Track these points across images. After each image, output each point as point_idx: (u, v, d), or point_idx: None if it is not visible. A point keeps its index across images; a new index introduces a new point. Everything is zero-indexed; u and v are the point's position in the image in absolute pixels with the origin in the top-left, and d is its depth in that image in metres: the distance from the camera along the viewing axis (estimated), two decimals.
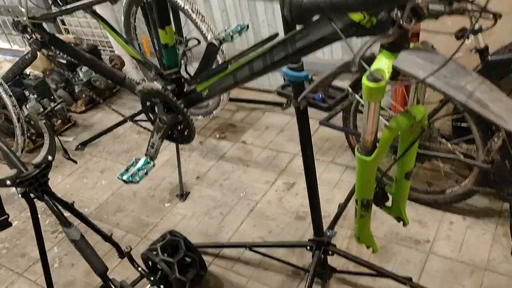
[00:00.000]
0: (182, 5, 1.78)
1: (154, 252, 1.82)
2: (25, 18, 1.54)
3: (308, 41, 0.90)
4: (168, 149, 2.84)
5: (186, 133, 1.31)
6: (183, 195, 2.44)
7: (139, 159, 1.35)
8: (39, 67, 3.23)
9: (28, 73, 3.16)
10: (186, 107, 1.24)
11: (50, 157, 1.45)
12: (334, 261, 1.83)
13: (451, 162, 1.94)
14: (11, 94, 2.61)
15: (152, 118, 1.37)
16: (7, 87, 2.62)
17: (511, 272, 1.71)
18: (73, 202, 1.56)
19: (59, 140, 1.55)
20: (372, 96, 0.81)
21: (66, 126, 3.20)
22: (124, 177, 1.30)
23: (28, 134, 2.83)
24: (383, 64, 0.81)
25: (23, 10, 1.53)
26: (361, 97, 0.83)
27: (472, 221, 1.94)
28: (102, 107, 3.45)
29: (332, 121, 2.26)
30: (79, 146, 2.98)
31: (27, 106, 2.90)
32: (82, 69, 3.18)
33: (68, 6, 1.44)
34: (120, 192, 2.59)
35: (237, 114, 3.08)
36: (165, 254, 1.82)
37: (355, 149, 0.95)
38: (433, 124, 1.83)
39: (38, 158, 1.46)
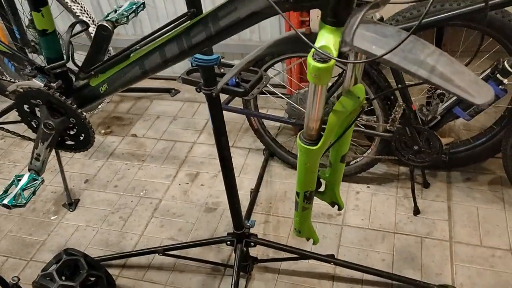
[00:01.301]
0: None
1: (49, 278, 1.55)
2: None
3: (234, 18, 0.76)
4: None
5: (82, 138, 1.08)
6: (72, 203, 2.13)
7: (21, 176, 1.08)
8: None
9: None
10: (79, 106, 1.01)
11: None
12: (253, 250, 1.76)
13: (354, 135, 1.98)
14: None
15: (34, 124, 1.09)
16: None
17: (416, 231, 1.82)
18: None
19: None
20: (321, 78, 0.71)
21: None
22: (5, 201, 1.02)
23: None
24: (328, 40, 0.71)
25: None
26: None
27: (376, 188, 2.03)
28: None
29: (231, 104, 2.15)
30: None
31: None
32: None
33: None
34: None
35: (121, 105, 2.80)
36: (63, 278, 1.56)
37: (297, 138, 0.85)
38: (333, 97, 1.83)
39: None
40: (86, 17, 1.66)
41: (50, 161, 2.43)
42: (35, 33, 1.83)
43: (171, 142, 2.47)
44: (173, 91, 2.83)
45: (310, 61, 0.70)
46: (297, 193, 0.97)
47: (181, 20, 0.85)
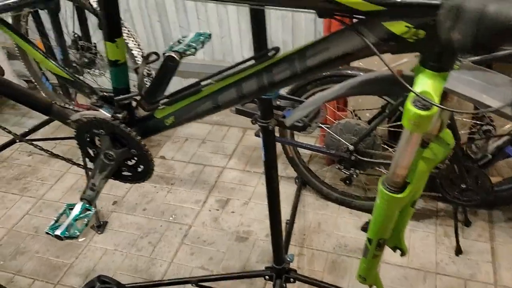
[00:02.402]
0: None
1: None
2: None
3: (324, 58, 0.73)
4: (72, 171, 2.44)
5: (140, 169, 1.05)
6: (100, 225, 2.09)
7: (72, 206, 1.04)
8: None
9: None
10: (141, 137, 0.98)
11: None
12: (289, 285, 1.70)
13: None
14: None
15: (92, 153, 1.06)
16: None
17: (459, 273, 1.75)
18: None
19: None
20: (420, 126, 0.67)
21: None
22: (57, 232, 0.98)
23: None
24: (428, 86, 0.67)
25: None
26: None
27: (414, 224, 1.97)
28: None
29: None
30: None
31: None
32: None
33: None
34: (17, 229, 2.13)
35: None
36: None
37: (379, 184, 0.81)
38: (375, 130, 1.80)
39: None
40: (138, 51, 1.66)
41: (78, 181, 2.41)
42: (76, 54, 1.83)
43: (200, 166, 2.43)
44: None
45: (410, 107, 0.66)
46: (369, 240, 0.92)
47: (248, 59, 0.83)
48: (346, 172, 1.88)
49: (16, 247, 2.04)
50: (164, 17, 2.57)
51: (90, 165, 1.12)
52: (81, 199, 1.07)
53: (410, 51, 0.68)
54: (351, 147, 1.80)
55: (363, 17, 0.68)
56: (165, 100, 0.93)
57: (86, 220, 1.03)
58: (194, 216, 2.13)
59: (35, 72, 2.01)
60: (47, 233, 1.04)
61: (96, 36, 1.81)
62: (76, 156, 2.52)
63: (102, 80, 1.88)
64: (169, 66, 0.95)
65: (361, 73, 1.25)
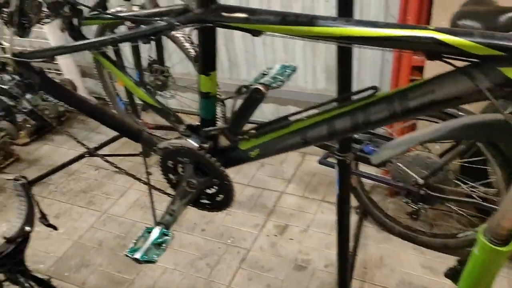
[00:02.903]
0: (186, 46, 1.51)
1: None
2: (7, 55, 1.16)
3: (428, 100, 0.71)
4: (135, 187, 2.51)
5: (220, 198, 1.06)
6: None
7: (151, 230, 1.06)
8: None
9: None
10: (224, 167, 0.99)
11: (27, 228, 1.11)
12: None
13: (466, 206, 1.84)
14: None
15: (174, 179, 1.09)
16: None
17: None
18: (50, 278, 1.23)
19: (37, 203, 1.21)
20: None
21: (7, 162, 2.73)
22: (137, 256, 1.00)
23: None
24: None
25: (4, 43, 1.17)
26: None
27: None
28: (49, 138, 3.02)
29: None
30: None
31: None
32: (27, 96, 2.73)
33: (77, 42, 1.09)
34: (83, 242, 2.21)
35: None
36: None
37: (479, 234, 0.76)
38: (448, 165, 1.72)
39: (11, 230, 1.12)
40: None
41: (140, 197, 2.48)
42: (151, 76, 1.90)
43: (259, 189, 2.43)
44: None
45: None
46: None
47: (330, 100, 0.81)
48: (413, 206, 1.81)
49: (81, 259, 2.11)
50: (230, 42, 2.62)
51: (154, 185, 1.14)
52: (158, 223, 1.09)
53: None
54: (421, 181, 1.74)
55: (477, 60, 0.65)
56: (253, 133, 0.93)
57: (164, 245, 1.05)
58: (252, 240, 2.12)
59: (110, 92, 2.11)
60: (126, 255, 1.06)
61: (170, 60, 1.88)
62: (140, 173, 2.60)
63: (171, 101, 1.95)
64: (255, 98, 0.96)
65: (461, 113, 1.18)
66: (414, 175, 1.77)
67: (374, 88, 0.78)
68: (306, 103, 2.66)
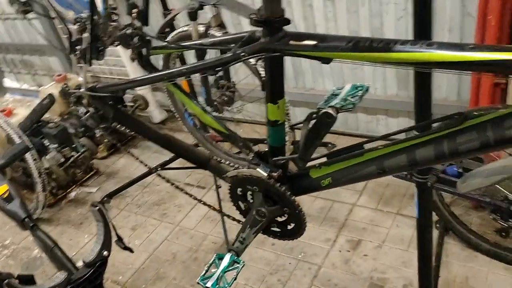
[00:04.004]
0: (252, 62, 1.50)
1: None
2: (82, 89, 1.23)
3: None
4: (205, 200, 2.54)
5: (290, 227, 1.02)
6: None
7: (222, 256, 1.05)
8: (56, 110, 2.94)
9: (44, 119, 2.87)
10: (294, 195, 0.95)
11: (105, 252, 1.15)
12: None
13: None
14: (31, 145, 2.32)
15: (242, 207, 1.07)
16: (26, 138, 2.33)
17: None
18: None
19: (113, 226, 1.25)
20: None
21: (88, 175, 2.90)
22: (208, 284, 1.00)
23: (49, 188, 2.53)
24: None
25: (79, 78, 1.24)
26: None
27: None
28: (126, 151, 3.16)
29: None
30: (105, 199, 2.67)
31: (47, 157, 2.60)
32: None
33: (148, 76, 1.13)
34: (157, 254, 2.28)
35: None
36: None
37: None
38: None
39: (90, 253, 1.16)
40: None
41: (210, 211, 2.51)
42: (217, 92, 1.91)
43: (329, 201, 2.36)
44: (329, 145, 2.74)
45: None
46: None
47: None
48: (503, 223, 1.65)
49: (156, 272, 2.17)
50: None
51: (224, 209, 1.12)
52: (229, 250, 1.07)
53: None
54: (511, 196, 1.57)
55: None
56: (322, 159, 0.88)
57: (235, 273, 1.03)
58: (323, 255, 2.06)
59: (179, 109, 2.16)
60: (199, 283, 1.06)
61: (237, 76, 1.87)
62: (209, 185, 2.64)
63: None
64: (325, 122, 0.91)
65: None
66: (503, 189, 1.61)
67: (461, 114, 0.70)
68: (376, 110, 2.55)
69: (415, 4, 0.82)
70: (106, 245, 1.16)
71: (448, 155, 0.71)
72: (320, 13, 2.37)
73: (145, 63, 1.29)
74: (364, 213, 2.24)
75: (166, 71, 1.05)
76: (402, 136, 0.82)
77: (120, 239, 1.39)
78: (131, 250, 1.47)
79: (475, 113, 0.73)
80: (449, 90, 2.27)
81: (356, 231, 2.15)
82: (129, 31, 1.20)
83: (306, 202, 2.38)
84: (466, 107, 2.01)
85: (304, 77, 2.67)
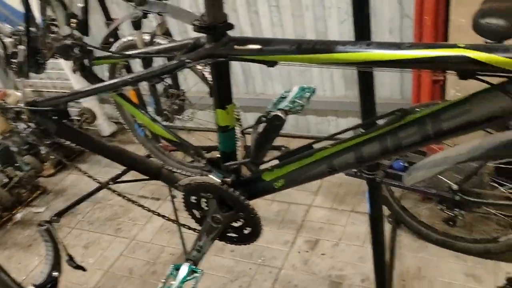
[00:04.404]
0: (199, 69, 1.48)
1: None
2: (20, 105, 1.16)
3: (465, 120, 0.65)
4: (160, 211, 2.48)
5: (247, 231, 1.02)
6: None
7: (179, 267, 1.03)
8: None
9: None
10: (248, 199, 0.95)
11: (55, 273, 1.10)
12: None
13: (506, 209, 1.75)
14: None
15: (198, 215, 1.06)
16: None
17: None
18: None
19: (63, 245, 1.19)
20: None
21: (34, 195, 2.76)
22: None
23: None
24: None
25: (17, 93, 1.18)
26: None
27: None
28: (74, 167, 3.04)
29: None
30: (54, 218, 2.55)
31: None
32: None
33: (91, 87, 1.08)
34: (113, 271, 2.20)
35: None
36: None
37: None
38: (482, 168, 1.64)
39: (39, 276, 1.10)
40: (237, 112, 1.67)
41: (165, 222, 2.46)
42: (167, 101, 1.88)
43: (285, 204, 2.38)
44: (282, 148, 2.77)
45: None
46: None
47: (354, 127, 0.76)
48: (449, 213, 1.73)
49: None
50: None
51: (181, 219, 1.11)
52: (187, 260, 1.05)
53: None
54: (455, 186, 1.66)
55: None
56: (274, 162, 0.89)
57: (193, 282, 1.01)
58: (283, 258, 2.07)
59: (129, 120, 2.10)
60: None
61: (185, 84, 1.86)
62: (164, 196, 2.59)
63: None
64: (275, 125, 0.92)
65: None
66: (447, 180, 1.69)
67: (402, 110, 0.73)
68: (325, 111, 2.61)
69: (353, 7, 0.85)
70: (56, 265, 1.11)
71: (392, 150, 0.74)
72: (267, 19, 2.40)
73: (88, 74, 1.25)
74: (320, 213, 2.28)
75: (110, 82, 1.02)
76: (350, 134, 0.85)
77: (71, 258, 1.33)
78: (83, 269, 1.41)
79: (417, 109, 0.77)
80: (392, 89, 2.37)
81: (313, 231, 2.18)
82: (68, 42, 1.16)
83: (263, 206, 2.39)
84: (409, 104, 2.10)
85: (254, 82, 2.69)
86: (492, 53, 0.58)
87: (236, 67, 2.66)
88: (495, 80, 0.63)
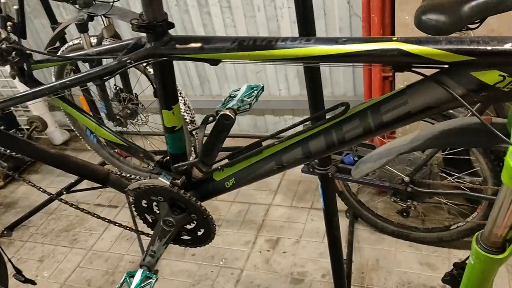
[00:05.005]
0: (149, 70, 1.46)
1: None
2: None
3: (402, 112, 0.67)
4: (118, 219, 2.43)
5: (200, 233, 1.00)
6: None
7: (133, 274, 1.00)
8: None
9: None
10: (200, 200, 0.94)
11: None
12: None
13: (455, 198, 1.82)
14: None
15: (150, 219, 1.03)
16: None
17: None
18: None
19: (9, 261, 1.13)
20: None
21: None
22: None
23: None
24: None
25: None
26: None
27: None
28: (25, 178, 2.90)
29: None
30: (5, 232, 2.44)
31: None
32: None
33: (28, 91, 1.02)
34: (70, 284, 2.12)
35: None
36: None
37: (473, 243, 0.73)
38: (431, 159, 1.70)
39: None
40: (189, 114, 1.64)
41: (124, 231, 2.40)
42: (119, 106, 1.83)
43: (245, 204, 2.38)
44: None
45: (510, 161, 0.59)
46: None
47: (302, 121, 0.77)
48: (403, 204, 1.78)
49: None
50: None
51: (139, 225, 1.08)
52: (140, 266, 1.03)
53: (505, 100, 0.62)
54: (407, 179, 1.71)
55: (447, 67, 0.61)
56: (223, 161, 0.88)
57: (149, 287, 0.99)
58: (244, 258, 2.07)
59: (79, 127, 2.04)
60: None
61: (137, 88, 1.82)
62: (122, 203, 2.53)
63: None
64: (224, 125, 0.91)
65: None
66: (399, 173, 1.74)
67: (345, 104, 0.74)
68: (282, 110, 2.63)
69: (296, 5, 0.85)
70: (1, 281, 1.05)
71: (337, 144, 0.75)
72: (219, 20, 2.40)
73: (28, 79, 1.20)
74: (281, 212, 2.29)
75: (48, 85, 0.98)
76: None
77: (18, 272, 1.27)
78: (33, 283, 1.34)
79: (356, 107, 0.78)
80: (346, 86, 2.42)
81: (274, 230, 2.19)
82: (3, 45, 1.10)
83: (223, 207, 2.38)
84: (361, 101, 2.15)
85: (210, 84, 2.67)
86: (423, 45, 0.60)
87: (191, 70, 2.63)
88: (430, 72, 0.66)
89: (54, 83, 0.97)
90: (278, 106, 2.58)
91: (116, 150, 2.26)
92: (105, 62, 1.79)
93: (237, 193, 2.46)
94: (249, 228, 2.22)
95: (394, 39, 0.62)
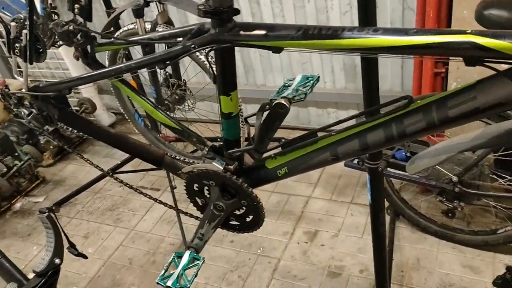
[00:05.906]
0: (202, 59, 1.47)
1: None
2: (22, 90, 1.15)
3: (470, 108, 0.65)
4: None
5: (249, 219, 1.02)
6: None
7: (181, 254, 1.03)
8: None
9: None
10: (251, 187, 0.96)
11: (57, 260, 1.10)
12: None
13: (505, 201, 1.76)
14: None
15: (200, 203, 1.06)
16: None
17: None
18: None
19: (65, 234, 1.19)
20: None
21: (33, 185, 2.76)
22: (169, 283, 0.98)
23: None
24: None
25: (18, 78, 1.16)
26: None
27: None
28: (73, 157, 3.04)
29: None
30: (53, 207, 2.55)
31: None
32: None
33: (94, 72, 1.07)
34: (113, 260, 2.21)
35: None
36: None
37: None
38: (482, 160, 1.64)
39: (41, 262, 1.11)
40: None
41: (167, 211, 2.46)
42: (168, 91, 1.87)
43: (285, 195, 2.39)
44: (282, 140, 2.77)
45: None
46: None
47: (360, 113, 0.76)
48: (448, 205, 1.74)
49: (112, 279, 2.11)
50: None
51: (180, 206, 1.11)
52: (188, 247, 1.06)
53: None
54: (455, 178, 1.66)
55: None
56: (277, 150, 0.89)
57: (195, 270, 1.02)
58: (282, 249, 2.08)
59: (129, 110, 2.10)
60: (158, 283, 1.03)
61: (186, 74, 1.85)
62: (164, 186, 2.59)
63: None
64: (278, 113, 0.92)
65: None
66: (447, 172, 1.69)
67: (408, 97, 0.73)
68: (326, 103, 2.61)
69: None
70: (57, 252, 1.11)
71: (397, 137, 0.74)
72: (268, 9, 2.39)
73: (90, 60, 1.24)
74: (320, 205, 2.28)
75: (114, 67, 1.01)
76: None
77: (72, 246, 1.33)
78: (84, 256, 1.41)
79: (419, 101, 0.77)
80: (393, 82, 2.37)
81: (313, 222, 2.19)
82: (71, 27, 1.15)
83: (262, 197, 2.36)
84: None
85: (255, 73, 2.68)
86: (499, 39, 0.58)
87: (236, 57, 2.65)
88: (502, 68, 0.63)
89: (120, 65, 1.01)
90: (322, 98, 2.56)
91: (161, 134, 2.32)
92: (156, 49, 1.83)
93: (276, 184, 2.47)
94: (287, 219, 2.23)
95: (468, 31, 0.60)
